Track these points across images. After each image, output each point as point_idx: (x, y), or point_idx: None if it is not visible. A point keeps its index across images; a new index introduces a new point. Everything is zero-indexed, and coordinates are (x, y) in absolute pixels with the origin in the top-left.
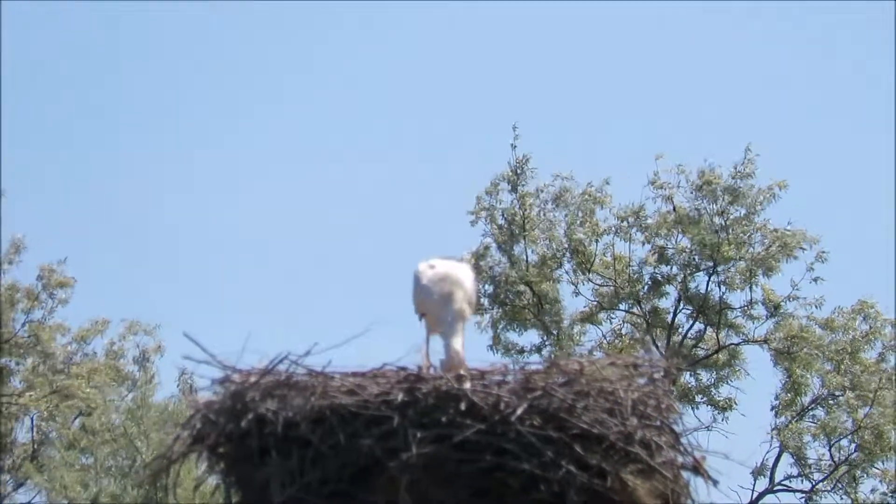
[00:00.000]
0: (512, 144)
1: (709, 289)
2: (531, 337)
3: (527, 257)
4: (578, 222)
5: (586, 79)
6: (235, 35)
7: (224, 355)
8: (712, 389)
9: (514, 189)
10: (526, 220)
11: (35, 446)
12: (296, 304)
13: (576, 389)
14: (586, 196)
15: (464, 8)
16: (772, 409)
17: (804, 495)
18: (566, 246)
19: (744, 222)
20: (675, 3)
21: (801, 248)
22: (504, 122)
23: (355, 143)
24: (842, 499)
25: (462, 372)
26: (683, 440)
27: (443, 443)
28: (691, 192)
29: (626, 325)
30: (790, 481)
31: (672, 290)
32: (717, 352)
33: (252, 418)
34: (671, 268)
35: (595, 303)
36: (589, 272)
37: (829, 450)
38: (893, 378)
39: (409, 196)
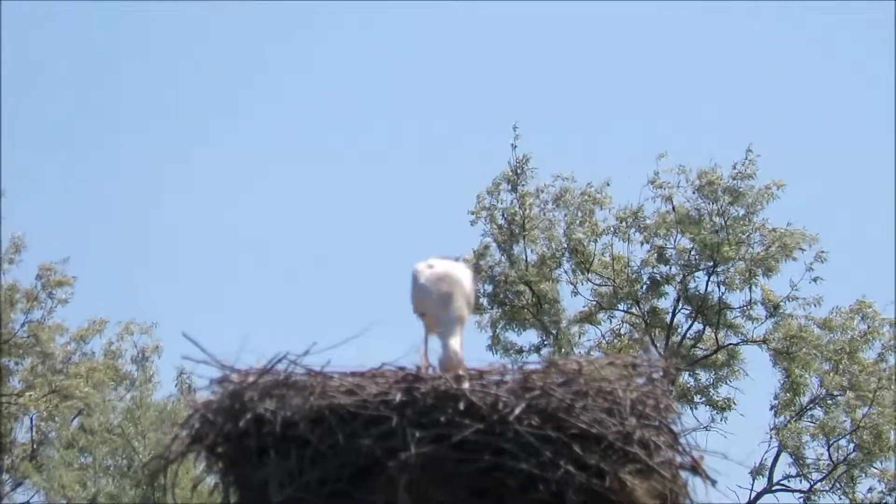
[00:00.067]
0: (512, 144)
1: (708, 289)
2: (530, 337)
3: (526, 257)
4: (578, 222)
5: (586, 79)
6: (235, 35)
7: (223, 355)
8: (711, 390)
9: (513, 189)
10: (526, 220)
11: (34, 446)
12: (295, 303)
13: (574, 389)
14: (586, 196)
15: (464, 8)
16: (771, 409)
17: (802, 495)
18: (565, 246)
19: (742, 222)
20: (675, 3)
21: (800, 248)
22: (504, 122)
23: (355, 143)
24: (840, 499)
25: (460, 372)
26: (682, 440)
27: (441, 442)
28: (693, 193)
29: (624, 325)
30: (789, 481)
31: (671, 290)
32: (715, 352)
33: (250, 418)
34: (670, 268)
35: (594, 303)
36: (588, 272)
37: (828, 450)
38: (893, 378)
39: (409, 196)
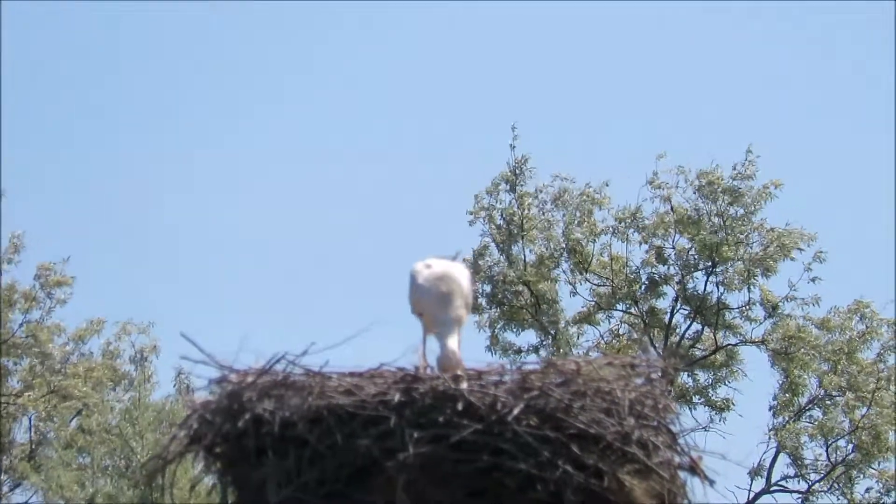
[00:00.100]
0: (511, 145)
1: (707, 289)
2: (529, 337)
3: (524, 257)
4: (576, 222)
5: (585, 79)
6: (235, 35)
7: (221, 355)
8: (710, 390)
9: (512, 189)
10: (524, 220)
11: (33, 446)
12: (294, 303)
13: (573, 389)
14: (584, 197)
15: (464, 8)
16: (769, 410)
17: (801, 496)
18: (564, 246)
19: (740, 222)
20: (675, 3)
21: (798, 248)
22: (504, 122)
23: (355, 143)
24: (838, 499)
25: (459, 372)
26: (680, 440)
27: (440, 443)
28: (693, 193)
29: (623, 325)
30: (787, 482)
31: (670, 291)
32: (714, 352)
33: (249, 418)
34: (668, 268)
35: (593, 303)
36: (586, 272)
37: (826, 450)
38: (892, 378)
39: (409, 196)
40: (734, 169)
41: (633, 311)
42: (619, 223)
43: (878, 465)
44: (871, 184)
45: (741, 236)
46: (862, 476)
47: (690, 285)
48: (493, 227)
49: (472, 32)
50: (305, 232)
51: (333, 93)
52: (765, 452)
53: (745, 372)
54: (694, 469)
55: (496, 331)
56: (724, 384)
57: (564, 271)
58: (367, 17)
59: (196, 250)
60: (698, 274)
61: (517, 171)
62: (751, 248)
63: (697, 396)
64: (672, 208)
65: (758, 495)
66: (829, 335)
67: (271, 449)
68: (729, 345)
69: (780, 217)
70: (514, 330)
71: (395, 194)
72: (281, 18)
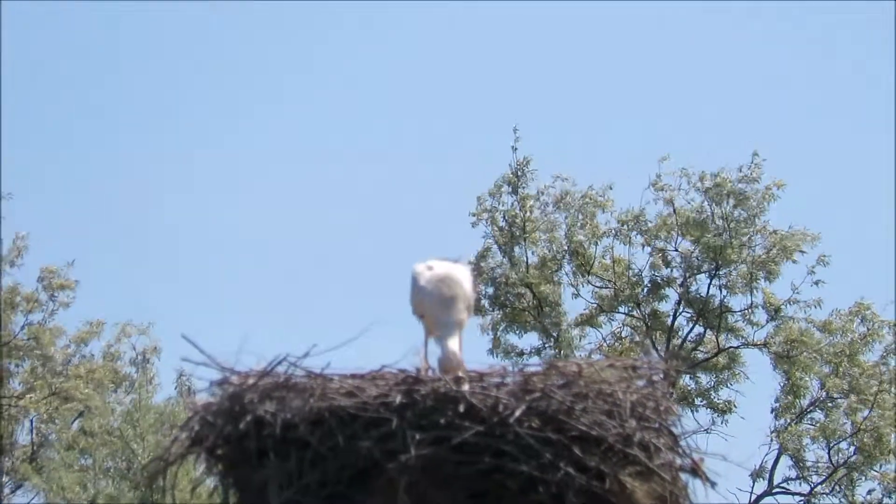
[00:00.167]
0: (513, 147)
1: (709, 292)
2: (531, 339)
3: (527, 259)
4: (579, 224)
5: (586, 80)
6: (235, 35)
7: (222, 356)
8: (712, 392)
9: (514, 191)
10: (527, 223)
11: (34, 448)
12: (295, 304)
13: (574, 391)
14: (587, 199)
15: (464, 8)
16: (771, 412)
17: (802, 498)
18: (566, 248)
19: (744, 224)
20: (675, 3)
21: (800, 251)
22: (505, 123)
23: (355, 143)
24: (840, 501)
25: (460, 374)
26: (682, 442)
27: (441, 445)
28: (696, 195)
29: (625, 327)
30: (789, 484)
31: (672, 293)
32: (716, 355)
33: (250, 420)
34: (671, 270)
35: (595, 305)
36: (588, 274)
37: (828, 452)
38: (893, 380)
39: (409, 196)
40: (740, 171)
41: (635, 313)
42: (622, 226)
43: (880, 467)
44: (872, 184)
45: (744, 238)
46: (864, 478)
47: (693, 288)
48: (496, 229)
49: (472, 33)
50: (306, 232)
51: (333, 93)
52: (766, 454)
53: (747, 374)
54: (695, 471)
55: (498, 333)
56: (726, 386)
57: (567, 274)
58: (367, 17)
59: (196, 250)
60: (701, 277)
61: (519, 174)
62: (753, 250)
63: (699, 399)
64: (675, 211)
65: (759, 497)
66: (831, 337)
67: (273, 451)
68: (731, 347)
69: (780, 218)
70: (517, 332)
71: (395, 195)
72: (281, 18)
